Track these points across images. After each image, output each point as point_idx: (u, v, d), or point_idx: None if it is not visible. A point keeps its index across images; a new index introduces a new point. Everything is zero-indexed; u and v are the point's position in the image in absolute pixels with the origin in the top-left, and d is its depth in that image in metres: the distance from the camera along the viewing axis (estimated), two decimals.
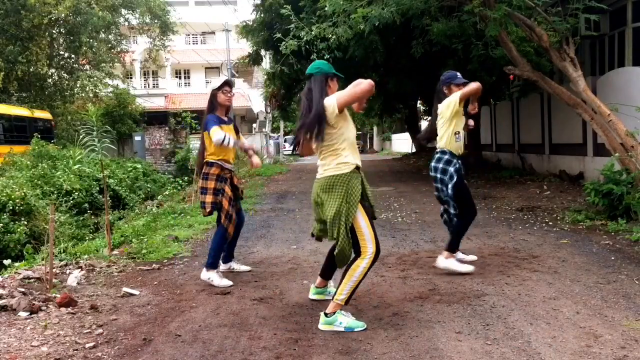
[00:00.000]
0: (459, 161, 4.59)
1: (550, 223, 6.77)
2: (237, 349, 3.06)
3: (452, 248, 4.60)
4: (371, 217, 3.40)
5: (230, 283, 4.46)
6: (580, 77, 7.48)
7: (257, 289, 4.30)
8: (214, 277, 4.47)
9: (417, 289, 4.14)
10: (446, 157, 4.56)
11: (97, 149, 5.76)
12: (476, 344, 3.01)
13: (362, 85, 3.25)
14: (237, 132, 4.79)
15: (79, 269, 4.96)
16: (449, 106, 4.55)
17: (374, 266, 3.40)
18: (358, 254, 3.33)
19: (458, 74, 4.68)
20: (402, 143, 34.76)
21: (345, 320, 3.30)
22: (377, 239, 3.32)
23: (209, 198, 4.51)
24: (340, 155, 3.30)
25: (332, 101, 3.29)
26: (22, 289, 4.12)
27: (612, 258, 4.88)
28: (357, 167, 3.36)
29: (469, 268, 4.52)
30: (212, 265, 4.51)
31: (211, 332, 3.35)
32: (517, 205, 8.34)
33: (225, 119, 4.68)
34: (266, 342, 3.14)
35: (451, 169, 4.52)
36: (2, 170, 11.59)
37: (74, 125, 20.97)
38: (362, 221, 3.30)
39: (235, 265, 4.94)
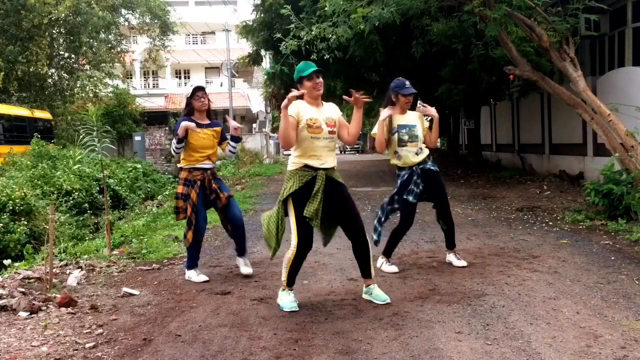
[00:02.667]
0: (408, 172, 4.59)
1: (550, 223, 6.77)
2: (237, 349, 3.05)
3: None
4: (302, 216, 3.61)
5: (206, 278, 4.59)
6: (580, 77, 7.48)
7: (257, 289, 4.30)
8: (192, 275, 4.65)
9: (417, 289, 4.14)
10: (396, 171, 4.71)
11: (97, 149, 5.76)
12: (476, 344, 3.01)
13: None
14: (222, 137, 4.79)
15: (79, 269, 4.96)
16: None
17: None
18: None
19: (407, 82, 4.55)
20: None
21: (284, 298, 3.74)
22: (302, 236, 3.61)
23: (178, 202, 4.62)
24: (293, 156, 3.77)
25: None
26: (22, 289, 4.12)
27: (612, 258, 4.87)
28: (306, 166, 3.67)
29: (393, 269, 4.69)
30: (190, 267, 4.69)
31: (211, 332, 3.35)
32: (517, 205, 8.34)
33: (205, 122, 4.67)
34: (266, 342, 3.14)
35: (398, 181, 4.65)
36: (2, 170, 11.59)
37: (74, 125, 20.98)
38: (290, 216, 3.68)
39: (240, 263, 4.83)
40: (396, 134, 4.55)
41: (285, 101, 3.56)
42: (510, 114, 15.58)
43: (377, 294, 3.83)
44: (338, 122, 3.83)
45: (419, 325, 3.33)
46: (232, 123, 4.77)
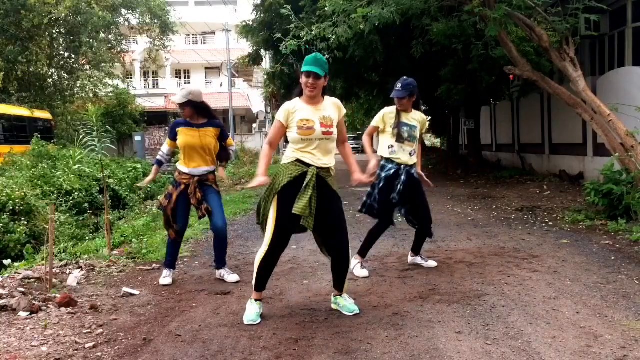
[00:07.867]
0: (396, 167, 4.56)
1: (550, 223, 6.77)
2: (237, 349, 3.05)
3: (363, 252, 4.70)
4: (283, 213, 3.37)
5: (170, 282, 4.56)
6: (580, 77, 7.48)
7: None
8: (164, 273, 4.61)
9: (417, 289, 4.14)
10: (382, 163, 4.64)
11: (97, 149, 5.75)
12: (476, 344, 3.01)
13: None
14: (223, 136, 4.68)
15: (79, 269, 4.96)
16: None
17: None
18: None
19: (398, 84, 4.53)
20: None
21: (248, 308, 3.56)
22: (277, 235, 3.40)
23: (162, 200, 4.61)
24: (288, 150, 3.49)
25: None
26: (22, 289, 4.12)
27: (612, 258, 4.88)
28: (298, 160, 3.42)
29: (364, 273, 4.55)
30: (165, 264, 4.65)
31: (211, 332, 3.35)
32: (517, 205, 8.34)
33: (197, 122, 4.62)
34: (266, 342, 3.14)
35: (382, 174, 4.58)
36: (2, 170, 11.58)
37: (74, 125, 20.97)
38: (271, 213, 3.44)
39: (223, 276, 4.64)
40: (396, 129, 4.55)
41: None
42: (510, 114, 15.58)
43: (345, 304, 3.60)
44: (337, 123, 3.48)
45: (419, 325, 3.33)
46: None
